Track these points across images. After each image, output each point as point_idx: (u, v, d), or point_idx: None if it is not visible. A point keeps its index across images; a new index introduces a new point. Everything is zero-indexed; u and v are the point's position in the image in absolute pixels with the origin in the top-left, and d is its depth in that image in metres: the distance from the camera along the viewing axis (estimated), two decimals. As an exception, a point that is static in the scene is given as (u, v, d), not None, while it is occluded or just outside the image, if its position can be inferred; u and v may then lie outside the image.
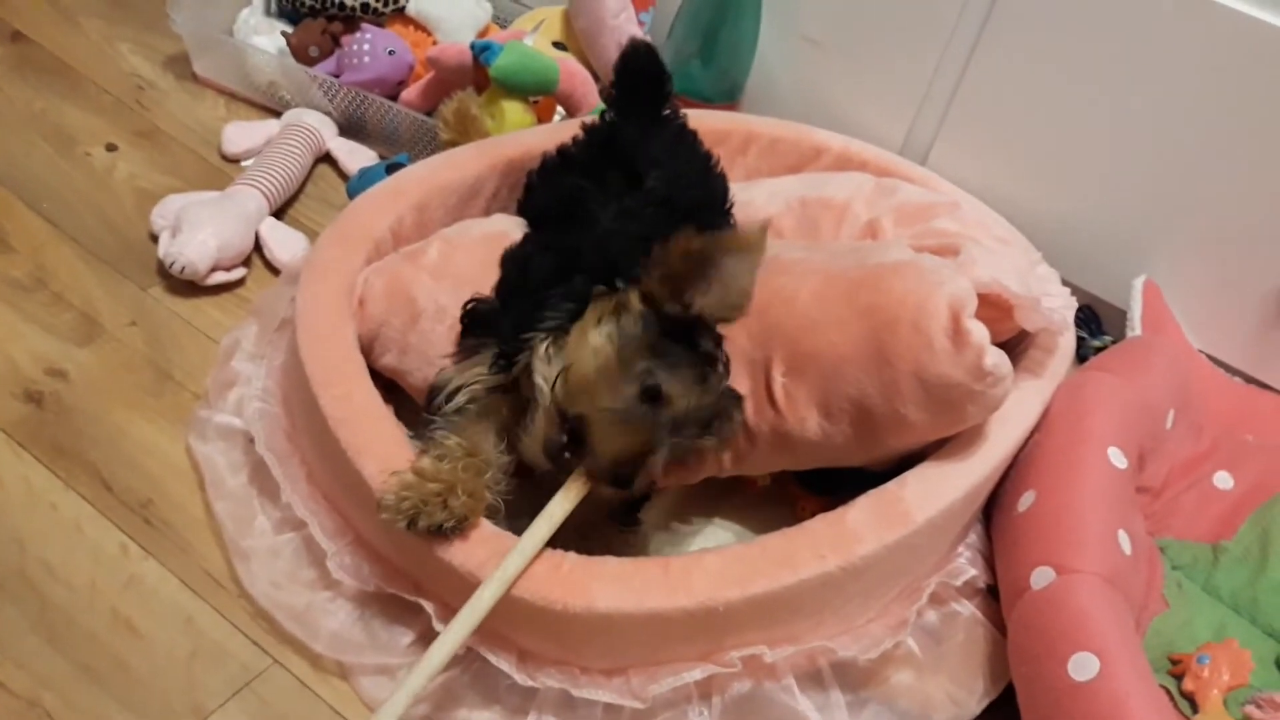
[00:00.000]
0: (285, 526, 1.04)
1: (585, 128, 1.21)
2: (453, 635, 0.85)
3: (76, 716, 0.91)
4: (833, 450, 1.03)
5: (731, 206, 1.19)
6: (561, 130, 1.32)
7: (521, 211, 1.21)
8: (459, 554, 0.90)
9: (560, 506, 0.90)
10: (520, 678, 0.91)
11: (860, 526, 0.95)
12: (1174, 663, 1.03)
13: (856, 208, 1.23)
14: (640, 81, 1.19)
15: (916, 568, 1.02)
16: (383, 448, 0.95)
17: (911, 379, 0.97)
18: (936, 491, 0.99)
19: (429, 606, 0.93)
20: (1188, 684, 1.01)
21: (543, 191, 1.19)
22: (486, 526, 0.92)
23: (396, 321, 1.09)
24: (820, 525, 0.96)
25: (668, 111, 1.22)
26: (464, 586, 0.88)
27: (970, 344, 0.96)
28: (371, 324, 1.09)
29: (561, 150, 1.20)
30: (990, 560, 1.06)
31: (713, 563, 0.92)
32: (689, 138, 1.22)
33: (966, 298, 0.97)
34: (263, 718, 0.94)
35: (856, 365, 0.99)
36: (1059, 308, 1.09)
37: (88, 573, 1.01)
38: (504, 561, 0.88)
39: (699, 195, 1.15)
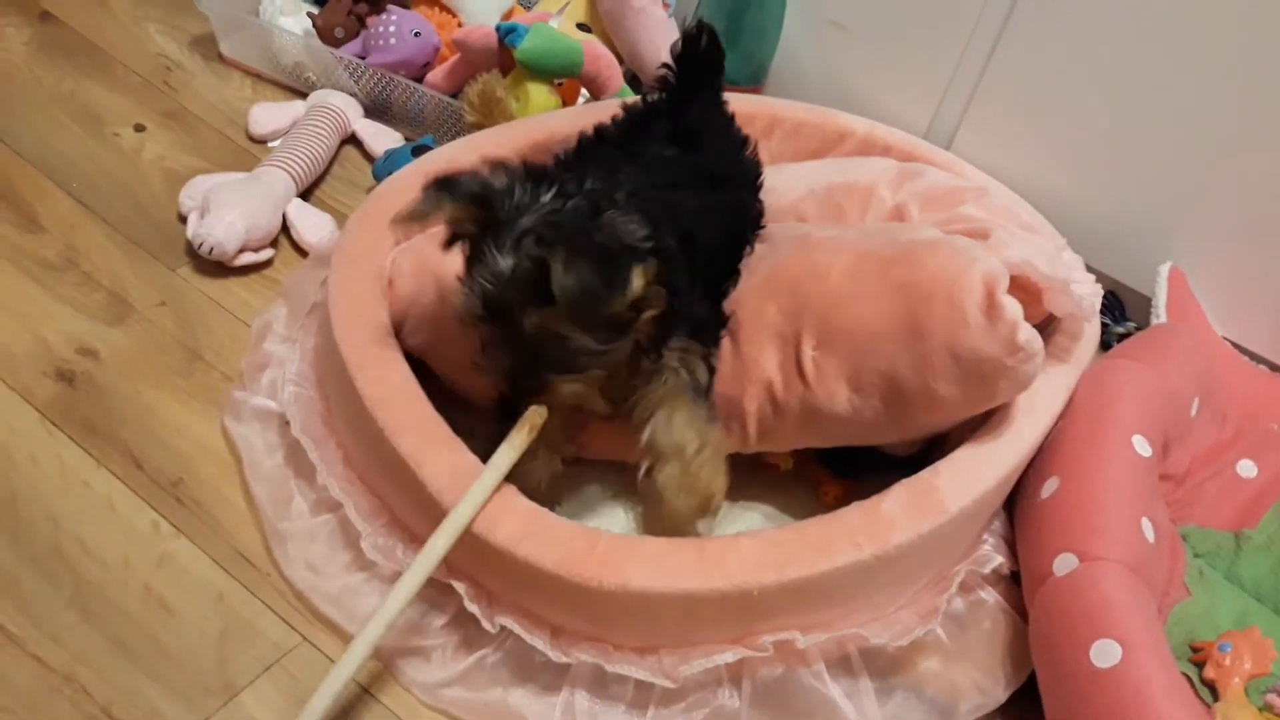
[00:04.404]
0: (322, 508, 1.05)
1: (626, 108, 1.20)
2: (406, 585, 0.88)
3: (111, 691, 0.93)
4: (862, 426, 1.03)
5: (760, 185, 1.20)
6: (586, 113, 1.32)
7: None
8: (499, 531, 0.92)
9: (506, 455, 0.93)
10: (554, 654, 0.93)
11: (895, 515, 0.95)
12: (1195, 650, 1.04)
13: (882, 192, 1.23)
14: (700, 62, 1.18)
15: (948, 556, 1.03)
16: (420, 426, 0.97)
17: (944, 353, 0.98)
18: (970, 480, 1.00)
19: (461, 587, 0.94)
20: (1209, 672, 1.01)
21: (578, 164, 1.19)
22: (525, 503, 0.94)
23: (425, 300, 1.09)
24: (855, 513, 0.96)
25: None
26: (501, 564, 0.89)
27: (1004, 318, 0.97)
28: (401, 304, 1.10)
29: (599, 129, 1.19)
30: (1013, 546, 1.07)
31: (748, 547, 0.93)
32: (728, 120, 1.23)
33: (1000, 273, 0.98)
34: (293, 694, 0.95)
35: (889, 339, 1.00)
36: (1085, 294, 1.09)
37: (120, 550, 1.03)
38: (453, 510, 0.91)
39: (729, 167, 1.16)
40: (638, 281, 0.91)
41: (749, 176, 1.19)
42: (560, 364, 0.93)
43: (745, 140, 1.21)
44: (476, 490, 0.91)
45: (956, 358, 0.98)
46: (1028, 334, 0.98)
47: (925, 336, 0.98)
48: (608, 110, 1.21)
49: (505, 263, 0.89)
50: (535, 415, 0.94)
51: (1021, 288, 1.04)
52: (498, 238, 0.90)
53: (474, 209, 0.92)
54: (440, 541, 0.90)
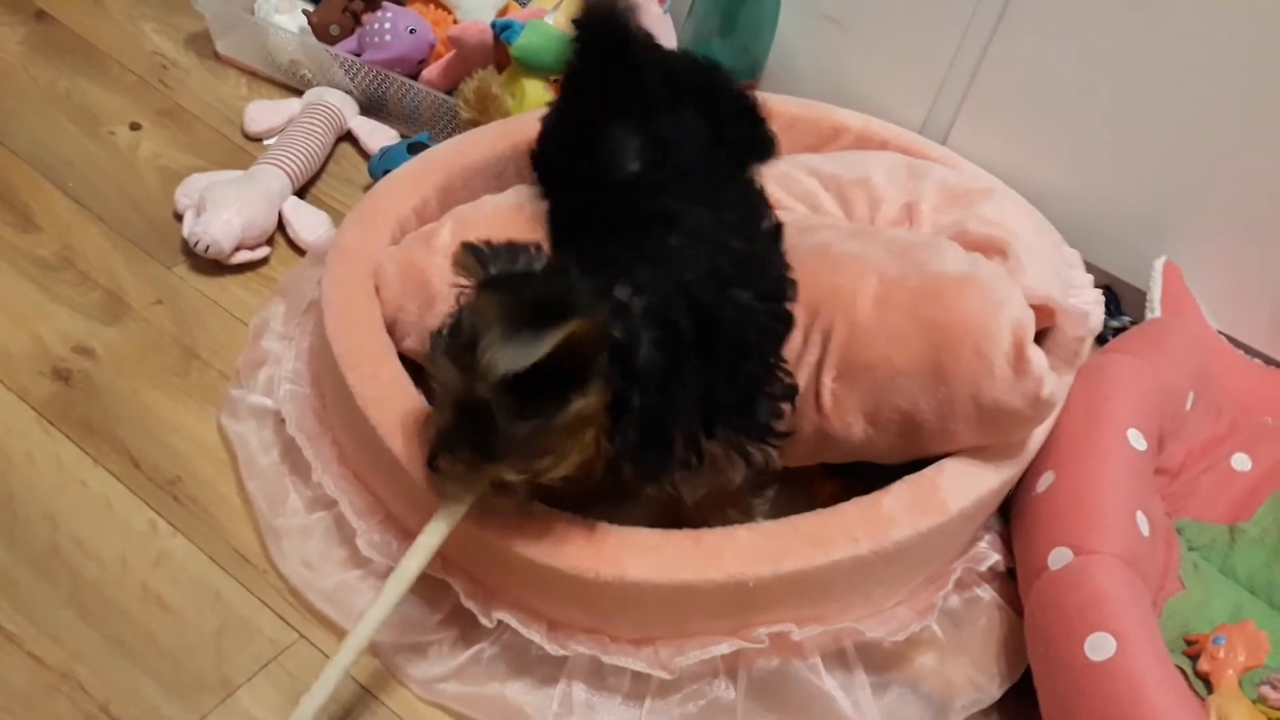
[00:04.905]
0: (317, 505, 1.05)
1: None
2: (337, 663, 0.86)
3: (108, 689, 0.93)
4: (873, 453, 1.04)
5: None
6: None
7: (534, 163, 1.19)
8: (493, 525, 0.91)
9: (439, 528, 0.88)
10: (551, 647, 0.93)
11: (895, 512, 0.95)
12: (1189, 643, 1.04)
13: (892, 190, 1.22)
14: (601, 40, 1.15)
15: (946, 553, 1.03)
16: (412, 425, 0.96)
17: (968, 401, 0.98)
18: (972, 481, 1.00)
19: (456, 584, 0.95)
20: (1203, 664, 1.01)
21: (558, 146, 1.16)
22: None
23: (413, 306, 1.08)
24: (855, 508, 0.96)
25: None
26: (496, 558, 0.89)
27: (1031, 373, 0.96)
28: (390, 309, 1.10)
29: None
30: (1009, 542, 1.07)
31: (745, 538, 0.93)
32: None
33: (1028, 322, 0.98)
34: (290, 691, 0.95)
35: (912, 380, 0.99)
36: (1089, 302, 1.10)
37: (118, 548, 1.03)
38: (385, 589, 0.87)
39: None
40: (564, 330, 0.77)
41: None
42: (481, 442, 0.83)
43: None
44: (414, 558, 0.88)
45: (980, 406, 0.98)
46: (1051, 386, 0.98)
47: (950, 382, 0.98)
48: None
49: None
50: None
51: (1036, 307, 1.04)
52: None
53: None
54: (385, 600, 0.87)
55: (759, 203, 1.10)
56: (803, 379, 1.03)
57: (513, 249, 0.87)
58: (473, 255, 0.86)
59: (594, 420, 0.83)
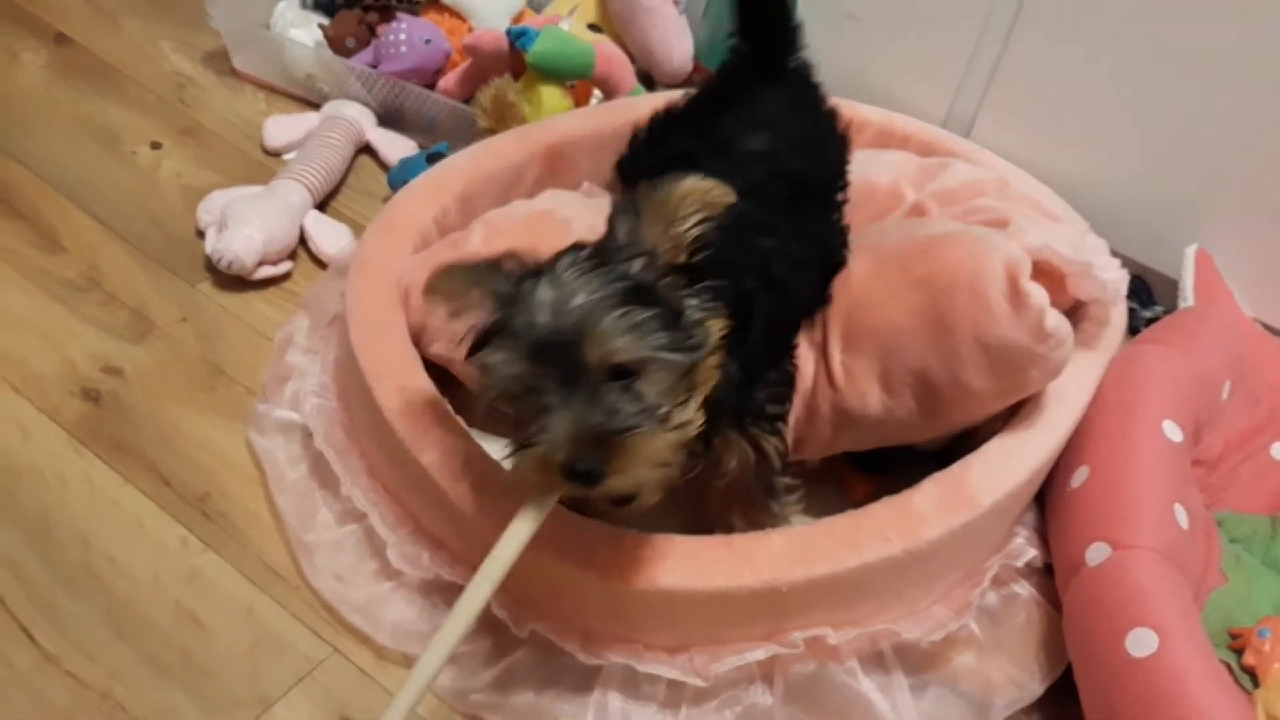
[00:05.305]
0: (347, 518, 1.05)
1: (702, 82, 1.15)
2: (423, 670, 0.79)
3: (146, 707, 0.93)
4: (895, 426, 1.03)
5: (846, 180, 1.13)
6: (600, 114, 1.32)
7: (621, 172, 1.14)
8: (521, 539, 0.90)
9: (525, 526, 0.81)
10: (585, 657, 0.92)
11: (926, 510, 0.95)
12: (1234, 637, 1.02)
13: (903, 190, 1.21)
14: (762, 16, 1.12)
15: (980, 550, 1.02)
16: (440, 436, 0.96)
17: (972, 345, 0.97)
18: (1001, 474, 0.99)
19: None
20: (1248, 658, 0.99)
21: (648, 155, 1.11)
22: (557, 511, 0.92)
23: (442, 310, 1.08)
24: (885, 508, 0.96)
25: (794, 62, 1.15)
26: (527, 567, 0.88)
27: (1030, 305, 0.96)
28: (418, 314, 1.10)
29: (670, 108, 1.13)
30: (1045, 538, 1.06)
31: (777, 543, 0.92)
32: (811, 96, 1.16)
33: (1022, 259, 0.97)
34: (326, 705, 0.95)
35: (916, 336, 0.99)
36: (1112, 279, 1.08)
37: (150, 566, 1.03)
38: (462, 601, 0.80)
39: (809, 163, 1.07)
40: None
41: (832, 167, 1.11)
42: (635, 407, 0.76)
43: (831, 115, 1.14)
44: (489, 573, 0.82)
45: (985, 348, 0.97)
46: (1055, 319, 0.97)
47: (952, 329, 0.97)
48: (620, 113, 1.20)
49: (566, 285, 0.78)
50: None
51: (1044, 274, 1.02)
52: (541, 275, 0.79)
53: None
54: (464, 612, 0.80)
55: (823, 232, 1.08)
56: (813, 359, 1.04)
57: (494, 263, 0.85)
58: (487, 271, 0.84)
59: (720, 346, 0.82)
